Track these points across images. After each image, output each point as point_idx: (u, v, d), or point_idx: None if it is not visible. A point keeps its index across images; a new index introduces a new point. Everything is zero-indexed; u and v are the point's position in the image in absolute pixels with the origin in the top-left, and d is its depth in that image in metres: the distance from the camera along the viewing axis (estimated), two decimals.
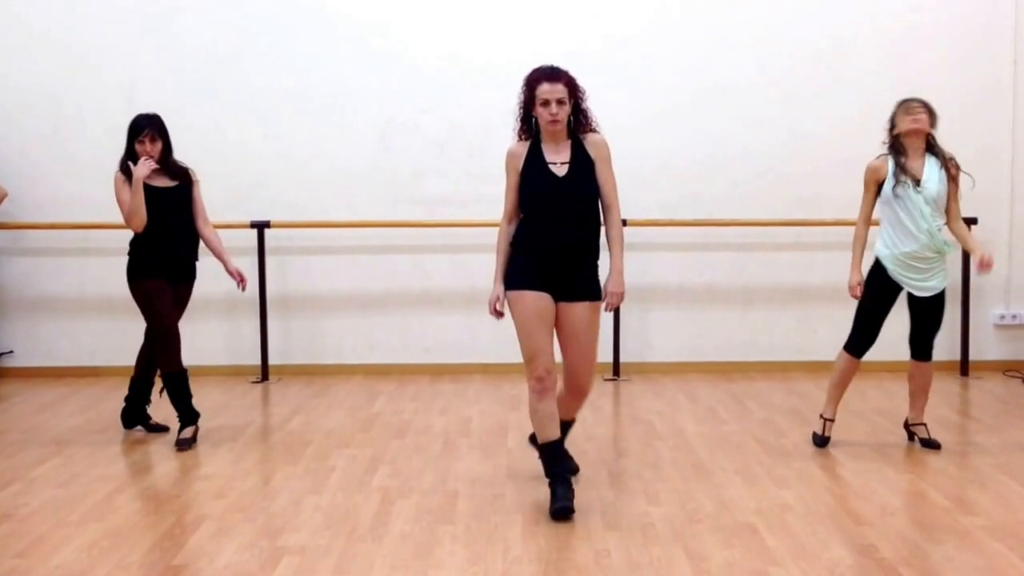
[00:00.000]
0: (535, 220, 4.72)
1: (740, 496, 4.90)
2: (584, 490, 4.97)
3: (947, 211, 5.55)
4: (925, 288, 5.53)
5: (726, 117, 7.79)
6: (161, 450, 5.82)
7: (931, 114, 5.51)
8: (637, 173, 7.65)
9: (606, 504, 4.78)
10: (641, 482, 5.12)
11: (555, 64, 4.77)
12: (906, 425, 5.87)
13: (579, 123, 4.78)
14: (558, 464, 4.74)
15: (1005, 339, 7.93)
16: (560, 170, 4.69)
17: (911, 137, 5.48)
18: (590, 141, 4.77)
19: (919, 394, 5.78)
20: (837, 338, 7.66)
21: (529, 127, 4.80)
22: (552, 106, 4.63)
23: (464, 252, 7.86)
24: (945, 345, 7.78)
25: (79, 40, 7.74)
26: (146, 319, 5.93)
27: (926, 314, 5.60)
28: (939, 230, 5.48)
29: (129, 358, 7.78)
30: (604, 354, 7.79)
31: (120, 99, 7.67)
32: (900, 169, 5.49)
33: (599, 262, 4.79)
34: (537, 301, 4.66)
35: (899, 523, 4.57)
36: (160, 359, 5.93)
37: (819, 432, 5.83)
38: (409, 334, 7.97)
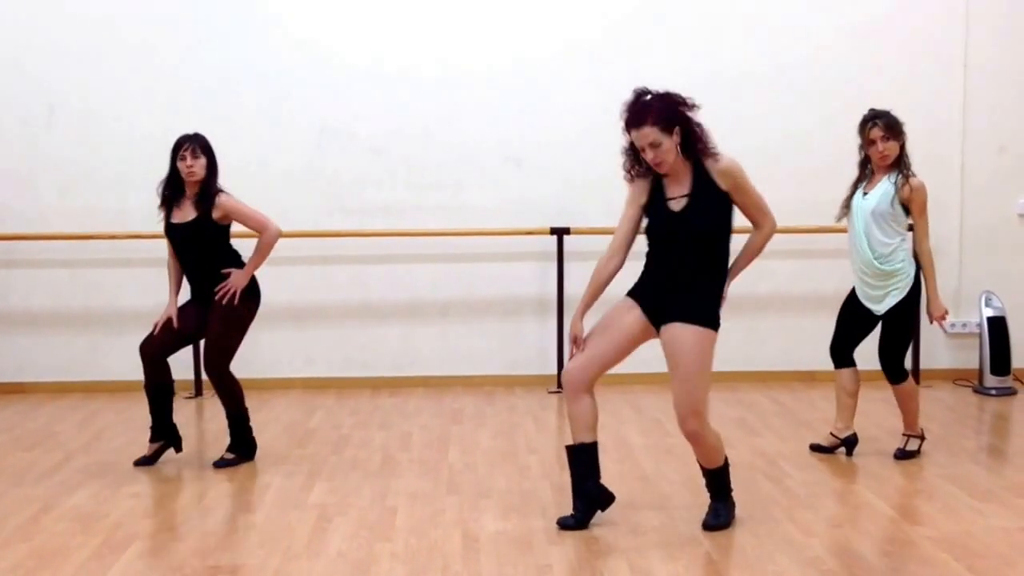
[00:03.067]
0: (650, 257, 4.46)
1: (685, 509, 4.81)
2: (527, 505, 4.88)
3: (915, 230, 5.53)
4: (876, 308, 5.51)
5: None
6: (89, 468, 5.62)
7: (896, 133, 5.42)
8: (580, 180, 7.60)
9: (549, 519, 4.65)
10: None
11: (639, 97, 4.28)
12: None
13: (693, 148, 4.28)
14: (577, 469, 4.56)
15: (956, 348, 7.90)
16: (678, 204, 4.30)
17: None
18: (717, 170, 4.28)
19: (901, 408, 5.68)
20: (786, 348, 7.75)
21: (641, 165, 4.38)
22: (648, 152, 4.22)
23: (403, 263, 7.72)
24: None
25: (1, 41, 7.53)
26: None
27: (883, 330, 5.55)
28: (887, 251, 5.42)
29: (56, 374, 7.67)
30: (547, 366, 7.76)
31: (42, 104, 7.52)
32: (855, 182, 5.55)
33: (718, 288, 4.40)
34: (619, 308, 4.47)
35: (845, 534, 4.51)
36: None
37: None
38: (347, 347, 7.79)
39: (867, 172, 5.56)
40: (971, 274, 7.81)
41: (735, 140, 7.57)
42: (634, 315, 4.44)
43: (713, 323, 4.33)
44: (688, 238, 4.32)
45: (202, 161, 5.54)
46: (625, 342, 4.50)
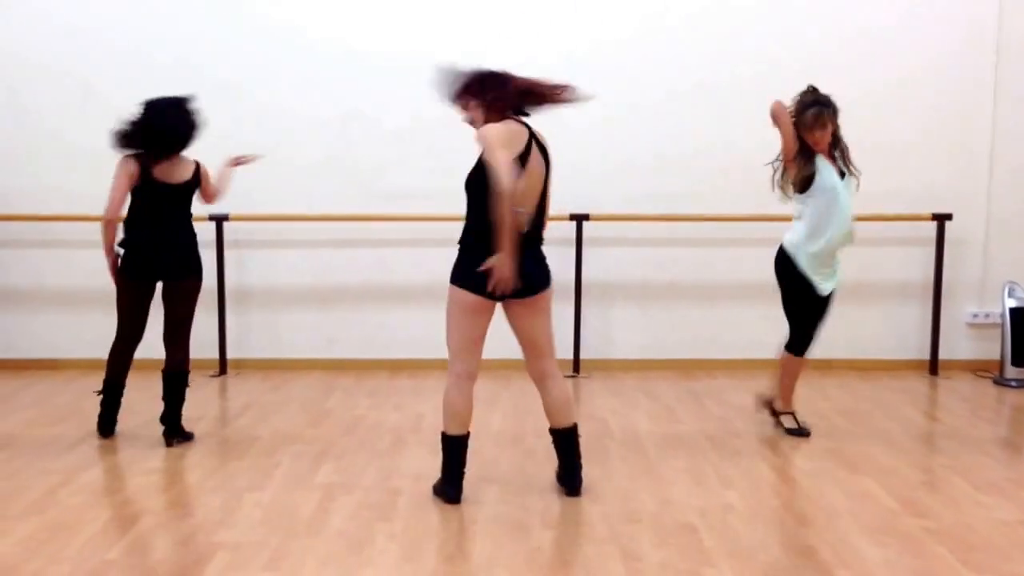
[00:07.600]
0: None
1: (684, 495, 4.84)
2: (526, 489, 4.94)
3: None
4: (826, 287, 5.70)
5: (691, 114, 7.71)
6: (108, 445, 5.75)
7: (835, 115, 5.62)
8: (600, 168, 7.61)
9: (548, 503, 4.72)
10: (586, 481, 4.99)
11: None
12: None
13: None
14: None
15: (977, 338, 7.83)
16: None
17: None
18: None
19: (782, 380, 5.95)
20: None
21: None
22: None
23: (425, 246, 7.76)
24: (915, 344, 7.74)
25: (35, 31, 7.64)
26: None
27: (822, 313, 5.77)
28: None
29: (89, 350, 7.79)
30: (563, 351, 7.72)
31: (77, 90, 7.65)
32: (844, 159, 5.66)
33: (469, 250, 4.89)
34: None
35: (843, 525, 4.51)
36: None
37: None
38: (369, 329, 7.88)
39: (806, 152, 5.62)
40: (995, 264, 7.73)
41: (749, 125, 7.64)
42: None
43: (454, 278, 4.89)
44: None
45: None
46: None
